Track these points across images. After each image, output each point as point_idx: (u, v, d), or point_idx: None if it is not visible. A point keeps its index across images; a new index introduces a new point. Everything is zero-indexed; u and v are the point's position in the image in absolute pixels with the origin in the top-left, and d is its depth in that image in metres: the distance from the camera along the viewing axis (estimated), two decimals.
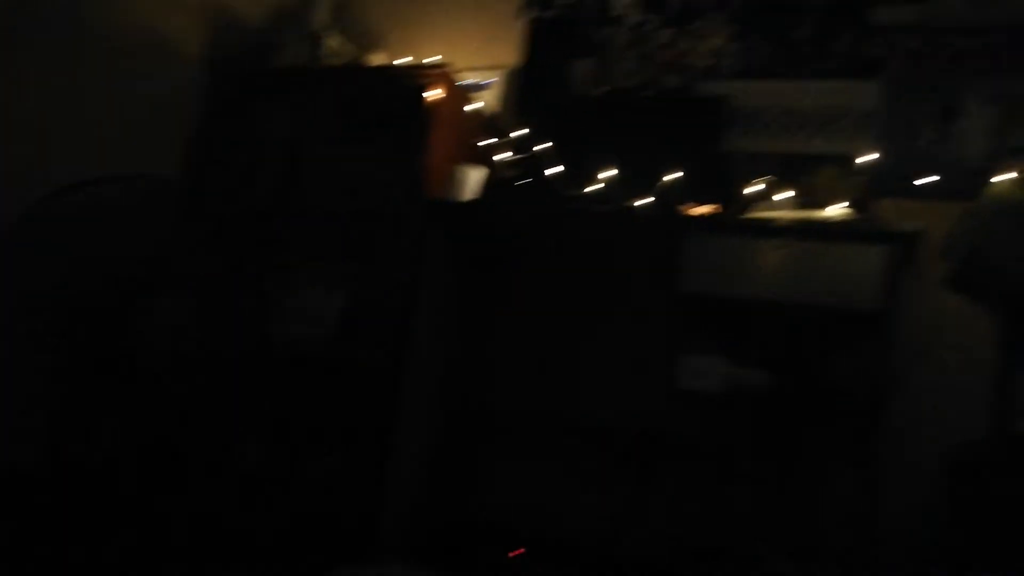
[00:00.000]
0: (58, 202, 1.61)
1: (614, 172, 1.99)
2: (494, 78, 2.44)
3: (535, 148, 2.14)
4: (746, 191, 1.90)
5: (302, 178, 2.28)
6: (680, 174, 1.91)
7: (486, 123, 2.30)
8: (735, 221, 1.83)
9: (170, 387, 1.70)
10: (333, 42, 2.45)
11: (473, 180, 2.12)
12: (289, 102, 2.33)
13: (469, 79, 2.39)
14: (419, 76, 2.18)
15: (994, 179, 1.69)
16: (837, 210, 1.83)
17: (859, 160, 1.90)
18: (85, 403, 1.62)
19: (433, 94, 2.13)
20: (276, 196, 2.28)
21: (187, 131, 2.32)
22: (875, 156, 1.90)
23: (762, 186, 1.89)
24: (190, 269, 1.79)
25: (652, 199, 1.92)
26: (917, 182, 1.89)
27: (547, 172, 2.08)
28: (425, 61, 2.37)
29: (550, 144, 2.13)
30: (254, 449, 2.09)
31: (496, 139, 2.25)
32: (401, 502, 2.11)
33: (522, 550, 2.10)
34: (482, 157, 2.21)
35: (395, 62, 2.49)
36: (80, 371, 1.59)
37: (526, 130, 2.20)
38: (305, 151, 2.29)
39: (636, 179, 1.95)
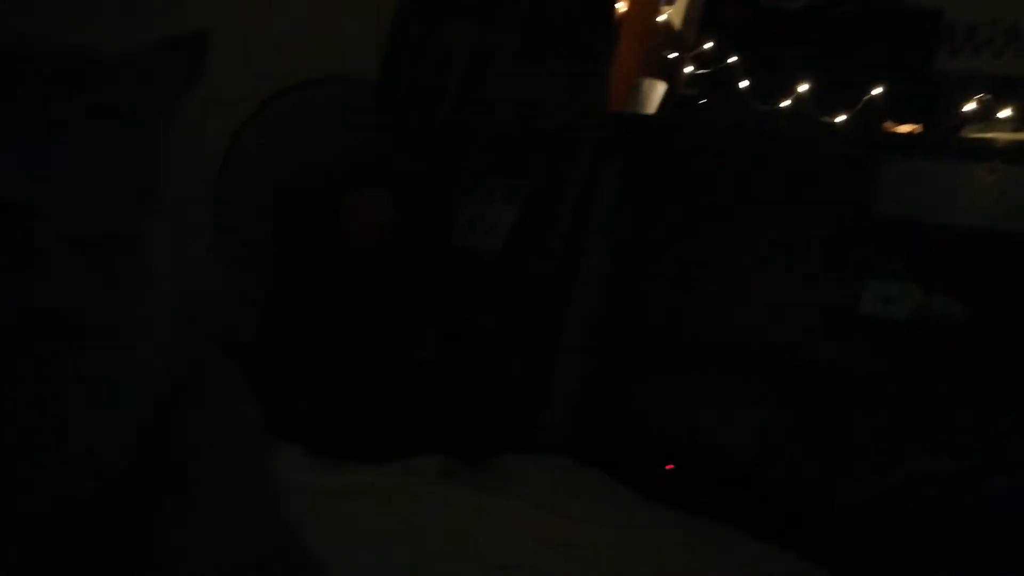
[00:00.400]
0: (281, 101, 1.76)
1: (808, 88, 1.90)
2: None
3: (723, 63, 2.07)
4: (957, 111, 1.77)
5: (486, 90, 2.34)
6: (883, 90, 1.81)
7: (672, 37, 2.26)
8: (943, 141, 1.71)
9: (368, 276, 1.84)
10: None
11: (656, 94, 2.10)
12: (476, 15, 2.39)
13: None
14: None
15: None
16: None
17: None
18: (302, 288, 1.79)
19: (620, 5, 2.11)
20: (460, 107, 2.36)
21: (383, 40, 2.44)
22: None
23: (975, 106, 1.75)
24: (387, 169, 1.91)
25: (850, 116, 1.83)
26: None
27: (734, 87, 2.02)
28: None
29: (738, 59, 2.06)
30: (432, 343, 2.23)
31: (681, 53, 2.20)
32: (560, 407, 2.20)
33: (671, 466, 2.14)
34: (666, 71, 2.17)
35: None
36: (299, 259, 1.76)
37: (713, 44, 2.14)
38: (491, 63, 2.35)
39: (833, 96, 1.86)
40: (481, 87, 2.35)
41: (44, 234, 0.41)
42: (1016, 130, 1.73)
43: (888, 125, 1.79)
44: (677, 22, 2.32)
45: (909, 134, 1.75)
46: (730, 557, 1.44)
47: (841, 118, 1.83)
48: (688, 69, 2.17)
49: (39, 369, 0.42)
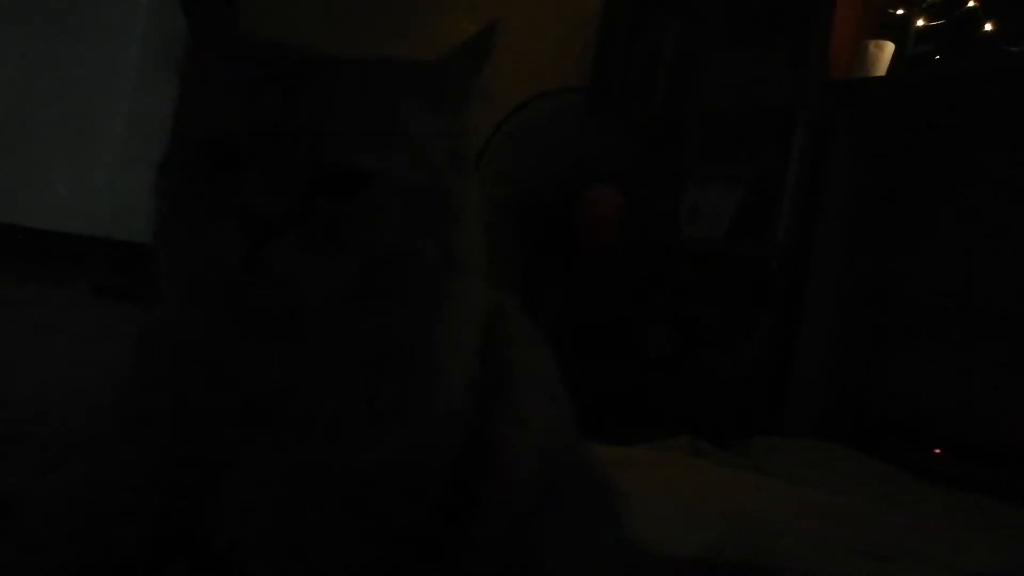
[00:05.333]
0: (518, 115, 1.90)
1: None
2: None
3: (962, 7, 1.92)
4: None
5: (697, 79, 2.35)
6: None
7: None
8: None
9: (602, 270, 1.92)
10: None
11: (884, 56, 1.99)
12: (681, 7, 2.41)
13: None
14: None
15: None
16: None
17: None
18: (535, 281, 1.92)
19: None
20: (674, 98, 2.39)
21: (591, 46, 2.54)
22: None
23: None
24: (612, 167, 1.98)
25: None
26: None
27: (977, 31, 1.86)
28: None
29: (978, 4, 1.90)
30: (664, 339, 2.25)
31: (909, 8, 2.07)
32: (805, 392, 2.12)
33: (938, 450, 1.99)
34: (893, 30, 2.05)
35: None
36: (535, 254, 1.88)
37: None
38: (699, 52, 2.36)
39: None
40: (694, 74, 2.36)
41: (383, 191, 0.53)
42: None
43: None
44: None
45: None
46: (1004, 526, 1.32)
47: None
48: (919, 23, 2.03)
49: (381, 309, 0.54)
